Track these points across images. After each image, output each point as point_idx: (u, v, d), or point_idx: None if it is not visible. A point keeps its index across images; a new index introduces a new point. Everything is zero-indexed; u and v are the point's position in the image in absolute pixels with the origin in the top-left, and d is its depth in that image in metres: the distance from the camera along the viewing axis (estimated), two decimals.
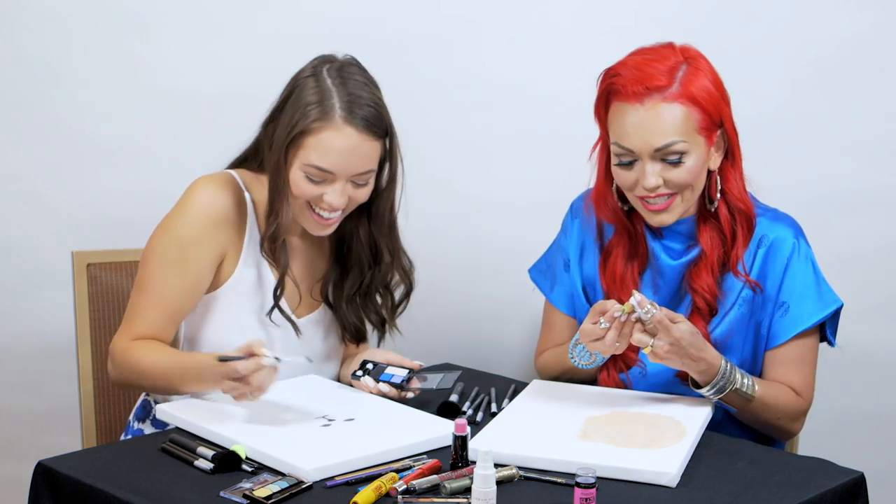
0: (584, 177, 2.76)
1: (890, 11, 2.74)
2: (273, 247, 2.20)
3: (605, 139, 2.20)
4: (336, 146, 2.10)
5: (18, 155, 2.80)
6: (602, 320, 2.06)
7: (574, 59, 2.82)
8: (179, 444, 1.92)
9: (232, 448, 1.88)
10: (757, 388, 2.13)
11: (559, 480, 1.83)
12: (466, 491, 1.77)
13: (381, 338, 2.39)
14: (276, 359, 1.98)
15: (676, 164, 2.11)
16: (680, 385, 2.19)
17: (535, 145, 2.85)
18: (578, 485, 1.70)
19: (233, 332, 2.20)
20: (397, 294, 2.36)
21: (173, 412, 2.05)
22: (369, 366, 2.21)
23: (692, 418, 2.06)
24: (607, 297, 2.21)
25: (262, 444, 1.89)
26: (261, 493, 1.74)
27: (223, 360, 1.99)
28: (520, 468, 1.85)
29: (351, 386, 2.23)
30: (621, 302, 2.09)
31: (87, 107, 2.79)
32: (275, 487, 1.76)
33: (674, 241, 2.23)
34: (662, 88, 2.09)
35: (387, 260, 2.31)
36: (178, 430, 2.00)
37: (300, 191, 2.13)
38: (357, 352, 2.39)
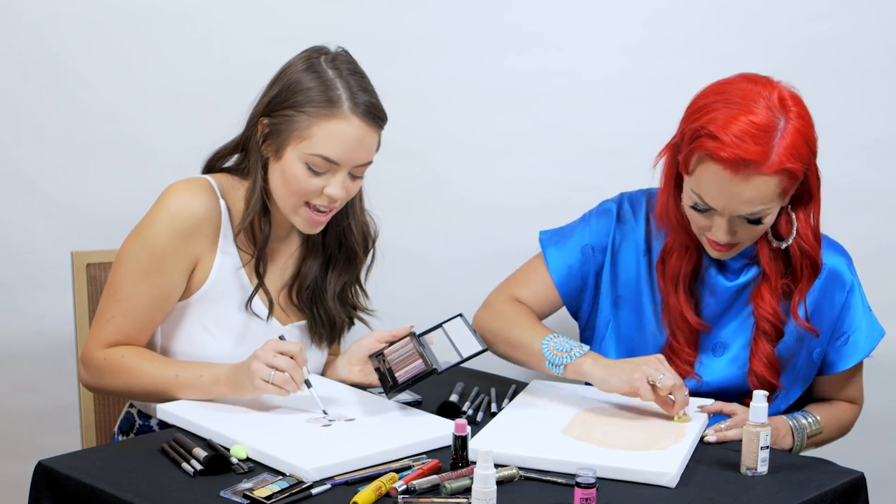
0: (585, 177, 2.78)
1: (890, 11, 2.74)
2: (262, 255, 2.18)
3: (671, 159, 2.14)
4: (345, 136, 2.08)
5: (18, 154, 2.80)
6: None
7: (574, 58, 2.82)
8: (178, 444, 1.92)
9: (232, 448, 1.88)
10: (819, 417, 2.18)
11: (559, 480, 1.83)
12: (466, 491, 1.77)
13: (350, 326, 2.37)
14: (307, 381, 2.04)
15: (755, 223, 2.08)
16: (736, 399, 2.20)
17: (535, 145, 2.85)
18: (578, 485, 1.70)
19: (206, 340, 2.18)
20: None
21: (174, 412, 2.05)
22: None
23: (691, 418, 2.07)
24: (664, 297, 2.22)
25: (262, 444, 1.89)
26: (261, 493, 1.74)
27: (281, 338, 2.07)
28: (520, 468, 1.85)
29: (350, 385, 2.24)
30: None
31: (87, 106, 2.79)
32: (275, 487, 1.76)
33: (732, 259, 2.20)
34: (760, 164, 2.01)
35: (367, 243, 2.31)
36: (179, 430, 2.00)
37: (299, 183, 2.10)
38: (333, 350, 2.38)
